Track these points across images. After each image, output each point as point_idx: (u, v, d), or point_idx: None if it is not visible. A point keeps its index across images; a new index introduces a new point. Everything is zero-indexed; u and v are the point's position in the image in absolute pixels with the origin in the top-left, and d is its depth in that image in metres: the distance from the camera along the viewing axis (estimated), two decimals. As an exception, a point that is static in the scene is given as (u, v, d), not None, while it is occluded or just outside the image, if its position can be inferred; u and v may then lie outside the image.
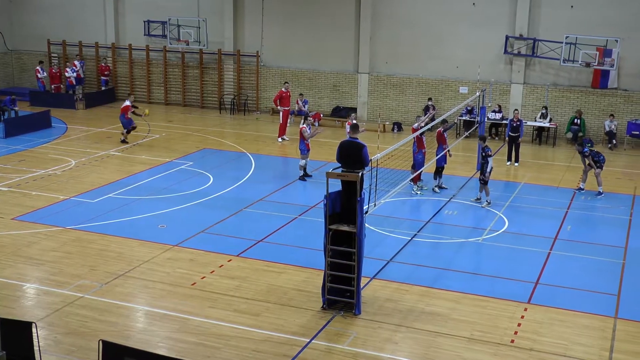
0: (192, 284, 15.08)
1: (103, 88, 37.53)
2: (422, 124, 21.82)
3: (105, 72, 37.50)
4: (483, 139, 21.64)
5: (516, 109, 27.71)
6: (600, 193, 21.90)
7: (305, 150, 22.93)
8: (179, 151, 26.52)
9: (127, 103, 27.90)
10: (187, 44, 35.29)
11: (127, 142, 27.58)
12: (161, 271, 15.72)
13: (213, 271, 15.77)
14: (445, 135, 22.12)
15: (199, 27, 34.94)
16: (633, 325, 13.64)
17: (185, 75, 36.87)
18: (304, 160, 22.98)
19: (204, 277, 15.45)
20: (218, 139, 28.88)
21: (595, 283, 15.60)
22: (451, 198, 21.55)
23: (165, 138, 29.03)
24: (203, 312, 13.81)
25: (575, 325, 13.64)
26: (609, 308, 14.37)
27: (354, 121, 21.26)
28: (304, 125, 23.09)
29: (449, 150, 22.23)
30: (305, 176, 23.01)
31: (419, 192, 21.75)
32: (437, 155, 21.80)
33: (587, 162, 22.00)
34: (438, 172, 22.08)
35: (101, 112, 34.58)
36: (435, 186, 22.10)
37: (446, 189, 22.19)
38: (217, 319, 13.52)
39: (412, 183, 21.67)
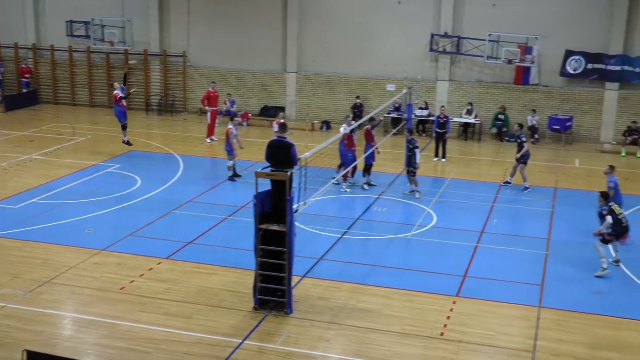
0: (121, 289, 14.84)
1: (24, 90, 36.54)
2: (352, 122, 22.05)
3: (26, 74, 36.51)
4: (410, 131, 22.10)
5: (443, 106, 28.20)
6: (526, 188, 22.40)
7: (231, 151, 22.78)
8: (105, 154, 26.03)
9: (116, 92, 26.15)
10: (112, 45, 34.66)
11: (130, 144, 26.39)
12: (88, 276, 15.41)
13: (142, 275, 15.54)
14: (373, 133, 22.36)
15: (124, 27, 34.36)
16: (556, 313, 14.04)
17: (110, 76, 36.18)
18: (231, 161, 22.85)
19: (133, 281, 15.22)
20: (145, 141, 28.48)
21: (520, 274, 16.00)
22: (380, 195, 21.77)
23: (91, 140, 28.47)
24: (132, 316, 13.61)
25: (501, 315, 13.96)
26: (533, 298, 14.75)
27: (282, 120, 21.25)
28: (231, 126, 22.93)
29: (377, 148, 22.43)
30: (234, 176, 22.89)
31: (348, 190, 21.90)
32: (365, 152, 21.99)
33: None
34: (367, 169, 22.29)
35: (22, 115, 33.65)
36: (365, 183, 22.30)
37: (375, 185, 22.41)
38: (147, 323, 13.34)
39: (342, 181, 21.83)
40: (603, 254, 15.92)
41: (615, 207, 16.12)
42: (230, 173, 22.97)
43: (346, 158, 21.88)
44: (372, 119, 22.98)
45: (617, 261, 16.44)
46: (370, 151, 21.89)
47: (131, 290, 14.77)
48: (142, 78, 35.67)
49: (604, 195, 16.64)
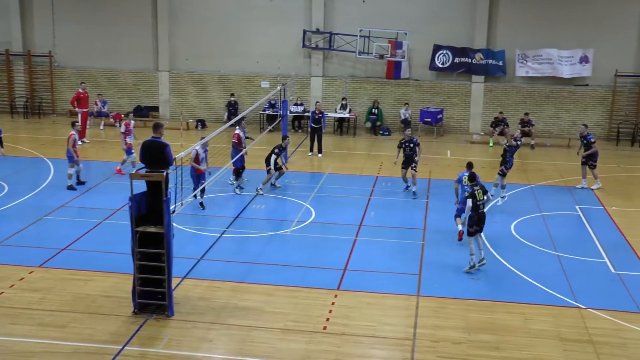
0: (-10, 301, 14.13)
1: None
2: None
3: None
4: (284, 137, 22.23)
5: (318, 102, 28.46)
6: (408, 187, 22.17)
7: (72, 158, 21.52)
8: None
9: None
10: (-30, 45, 33.00)
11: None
12: (-46, 290, 14.59)
13: (13, 285, 14.84)
14: (242, 137, 21.92)
15: (-17, 27, 32.81)
16: (433, 301, 14.45)
17: (-30, 78, 34.45)
18: (72, 169, 21.63)
19: (3, 292, 14.50)
20: (11, 145, 27.17)
21: (398, 265, 16.37)
22: (258, 193, 21.73)
23: (-48, 146, 26.93)
24: (4, 329, 12.95)
25: (382, 306, 14.23)
26: (412, 287, 15.12)
27: (131, 121, 21.08)
28: (73, 132, 21.75)
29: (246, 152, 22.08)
30: (77, 184, 21.75)
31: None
32: (232, 157, 21.48)
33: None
34: (238, 173, 21.93)
35: None
36: (236, 187, 21.87)
37: (243, 188, 22.09)
38: (19, 335, 12.74)
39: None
40: (473, 250, 15.95)
41: (478, 192, 16.06)
42: (70, 182, 21.57)
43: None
44: (241, 120, 22.62)
45: (481, 260, 16.06)
46: (237, 156, 21.37)
47: (1, 302, 14.06)
48: (4, 79, 34.10)
49: (471, 177, 16.54)
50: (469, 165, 18.15)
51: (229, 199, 21.20)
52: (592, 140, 23.15)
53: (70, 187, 21.50)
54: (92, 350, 12.26)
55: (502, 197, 20.99)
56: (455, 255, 17.01)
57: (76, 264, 15.98)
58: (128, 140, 23.11)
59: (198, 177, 19.62)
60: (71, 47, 33.73)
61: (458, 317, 13.78)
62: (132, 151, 22.69)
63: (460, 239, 17.39)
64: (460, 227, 17.55)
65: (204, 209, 19.77)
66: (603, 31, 30.42)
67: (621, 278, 15.81)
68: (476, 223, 15.92)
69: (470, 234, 16.00)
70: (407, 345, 12.67)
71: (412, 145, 21.67)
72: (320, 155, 26.61)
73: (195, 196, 19.30)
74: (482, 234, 16.22)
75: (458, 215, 17.91)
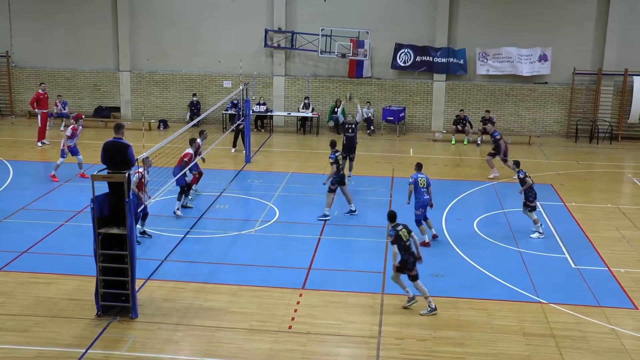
0: (-51, 306, 13.88)
1: None
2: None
3: None
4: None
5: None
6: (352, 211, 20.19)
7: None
8: None
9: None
10: None
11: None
12: None
13: (-28, 289, 14.62)
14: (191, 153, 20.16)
15: (-63, 27, 32.18)
16: (397, 299, 14.51)
17: None
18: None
19: (-37, 296, 14.28)
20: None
21: (362, 263, 16.43)
22: (222, 192, 21.67)
23: None
24: (-37, 334, 12.76)
25: (347, 305, 14.28)
26: (376, 285, 15.20)
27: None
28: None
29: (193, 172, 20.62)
30: None
31: (189, 205, 20.42)
32: (175, 174, 19.01)
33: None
34: (184, 191, 19.92)
35: None
36: (177, 209, 19.67)
37: (192, 207, 20.57)
38: (-21, 340, 12.56)
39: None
40: (403, 284, 14.28)
41: (402, 232, 14.12)
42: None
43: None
44: (193, 141, 20.20)
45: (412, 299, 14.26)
46: (180, 174, 19.09)
47: (-40, 307, 13.85)
48: (-38, 80, 33.53)
49: (390, 217, 14.68)
50: (419, 166, 18.15)
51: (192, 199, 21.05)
52: (498, 137, 23.92)
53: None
54: (55, 354, 12.11)
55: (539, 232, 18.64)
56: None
57: (37, 266, 15.77)
58: (69, 143, 22.82)
59: (139, 203, 16.45)
60: (29, 46, 33.24)
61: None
62: (76, 153, 22.86)
63: (423, 244, 16.79)
64: (426, 238, 17.39)
65: (150, 237, 17.68)
66: (561, 30, 30.88)
67: (581, 273, 16.07)
68: (414, 265, 14.08)
69: (397, 269, 14.11)
70: (372, 343, 12.73)
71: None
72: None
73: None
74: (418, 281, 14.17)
75: (419, 221, 17.51)
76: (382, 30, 31.00)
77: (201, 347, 12.58)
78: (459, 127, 30.07)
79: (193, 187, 20.67)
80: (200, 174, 20.84)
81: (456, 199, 20.94)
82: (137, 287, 13.81)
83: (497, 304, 14.39)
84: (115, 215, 13.35)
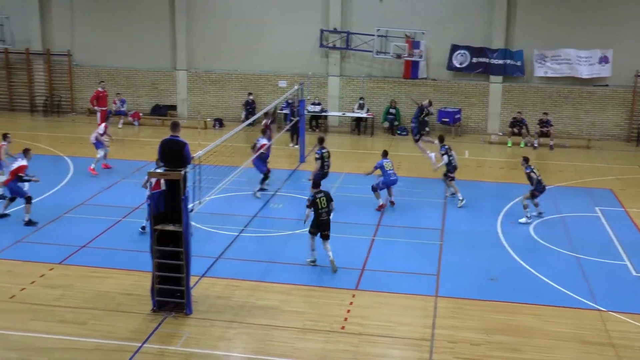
0: (11, 297, 14.23)
1: None
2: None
3: None
4: (440, 138, 22.07)
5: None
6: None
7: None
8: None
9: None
10: (-10, 43, 33.27)
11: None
12: (-25, 286, 14.72)
13: (33, 282, 14.96)
14: (272, 128, 22.73)
15: (2, 25, 33.01)
16: (451, 302, 14.41)
17: (-9, 76, 34.71)
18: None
19: (24, 288, 14.63)
20: (31, 143, 27.32)
21: (416, 265, 16.33)
22: (276, 191, 21.78)
23: (-28, 144, 27.16)
24: (24, 325, 13.07)
25: (400, 306, 14.22)
26: (430, 287, 15.10)
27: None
28: (4, 143, 20.86)
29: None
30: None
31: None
32: (255, 164, 21.36)
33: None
34: (266, 177, 21.73)
35: None
36: (257, 191, 21.53)
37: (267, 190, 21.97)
38: (40, 331, 12.85)
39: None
40: (313, 246, 16.10)
41: (320, 200, 15.83)
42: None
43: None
44: (267, 114, 22.94)
45: (313, 261, 16.20)
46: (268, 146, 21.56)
47: (22, 298, 14.19)
48: (24, 78, 34.35)
49: (314, 185, 16.44)
50: (385, 153, 20.85)
51: (246, 198, 21.21)
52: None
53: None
54: (112, 347, 12.34)
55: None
56: (473, 255, 16.98)
57: (96, 261, 16.09)
58: (104, 138, 23.80)
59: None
60: (90, 46, 33.91)
61: (476, 318, 13.74)
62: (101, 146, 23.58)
63: (378, 209, 20.03)
64: (381, 201, 20.16)
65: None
66: (623, 31, 30.19)
67: (642, 280, 15.73)
68: (317, 228, 15.85)
69: (310, 233, 16.01)
70: (425, 346, 12.65)
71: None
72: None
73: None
74: (327, 242, 15.90)
75: (375, 189, 20.31)
76: (438, 31, 30.76)
77: (254, 345, 12.66)
78: (516, 130, 29.67)
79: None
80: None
81: (512, 202, 20.66)
82: (192, 284, 13.96)
83: (553, 310, 14.16)
84: (172, 212, 13.51)
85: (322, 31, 31.70)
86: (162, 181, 13.75)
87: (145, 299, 13.96)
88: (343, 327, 13.26)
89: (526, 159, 19.94)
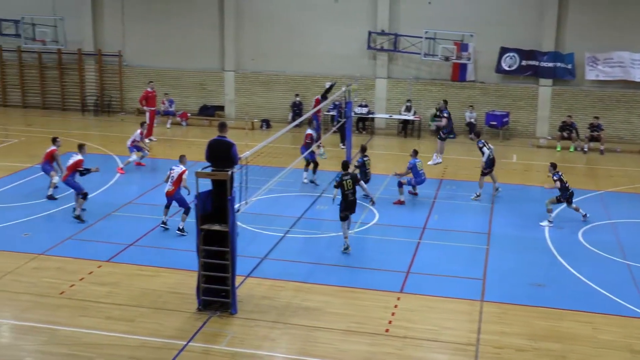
0: (61, 293, 14.50)
1: (-46, 92, 35.46)
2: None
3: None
4: (477, 134, 23.04)
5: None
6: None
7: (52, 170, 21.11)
8: (39, 156, 25.18)
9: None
10: (44, 44, 33.90)
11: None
12: (26, 282, 15.02)
13: (82, 278, 15.22)
14: (314, 136, 23.14)
15: (56, 26, 33.63)
16: (498, 307, 14.26)
17: (43, 76, 35.39)
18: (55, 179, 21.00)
19: (73, 285, 14.89)
20: (82, 142, 27.83)
21: (462, 269, 16.19)
22: (322, 193, 21.80)
23: (25, 143, 27.79)
24: (73, 321, 13.31)
25: (445, 310, 14.11)
26: (475, 292, 14.95)
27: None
28: (54, 147, 21.33)
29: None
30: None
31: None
32: (302, 153, 22.37)
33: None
34: (315, 166, 22.90)
35: (-47, 117, 32.71)
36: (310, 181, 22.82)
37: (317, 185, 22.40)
38: (88, 327, 13.07)
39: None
40: (344, 232, 17.08)
41: (345, 182, 16.95)
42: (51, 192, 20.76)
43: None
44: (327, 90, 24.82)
45: (346, 247, 17.06)
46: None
47: (71, 294, 14.45)
48: (76, 78, 34.97)
49: (343, 166, 17.59)
50: (415, 152, 21.31)
51: (292, 199, 21.27)
52: (446, 115, 25.49)
53: (50, 197, 20.69)
54: (158, 345, 12.48)
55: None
56: (520, 260, 16.78)
57: (143, 259, 16.32)
58: (141, 144, 24.51)
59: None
60: (140, 47, 34.39)
61: (523, 324, 13.57)
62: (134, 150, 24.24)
63: (396, 203, 20.71)
64: (402, 197, 20.73)
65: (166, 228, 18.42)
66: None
67: (695, 289, 15.34)
68: (345, 209, 17.00)
69: (341, 219, 17.01)
70: (470, 351, 12.53)
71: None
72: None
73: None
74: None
75: (401, 185, 20.84)
76: (487, 34, 30.45)
77: (297, 345, 12.69)
78: (565, 134, 29.22)
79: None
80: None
81: (560, 208, 20.34)
82: (237, 284, 14.05)
83: (602, 317, 13.90)
84: (218, 212, 13.60)
85: (369, 33, 31.64)
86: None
87: (190, 298, 14.09)
88: (387, 330, 13.21)
89: (554, 165, 19.90)
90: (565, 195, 19.35)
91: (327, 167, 24.40)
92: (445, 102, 27.00)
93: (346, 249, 17.00)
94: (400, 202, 20.82)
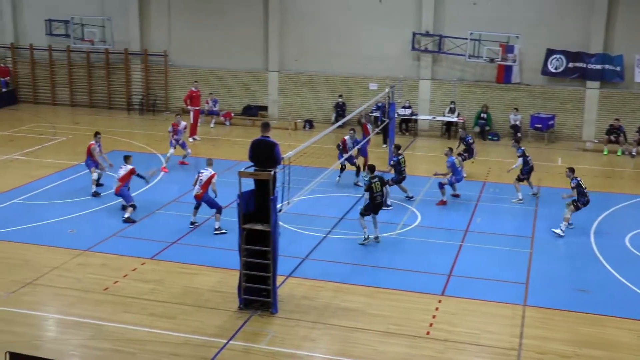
0: (105, 289, 14.73)
1: (3, 90, 36.14)
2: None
3: (4, 74, 36.07)
4: (517, 140, 23.35)
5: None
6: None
7: (92, 165, 21.48)
8: (86, 153, 25.74)
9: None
10: (92, 44, 34.46)
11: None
12: (72, 277, 15.28)
13: (126, 275, 15.44)
14: (369, 127, 23.90)
15: (104, 26, 34.16)
16: (541, 312, 14.09)
17: (91, 75, 35.96)
18: (95, 174, 21.49)
19: (117, 281, 15.11)
20: (127, 140, 28.29)
21: (504, 273, 16.04)
22: (364, 194, 21.71)
23: (72, 140, 28.26)
24: (117, 317, 13.51)
25: (487, 314, 14.00)
26: (518, 296, 14.79)
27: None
28: (93, 142, 21.77)
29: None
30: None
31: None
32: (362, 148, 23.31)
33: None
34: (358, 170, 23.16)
35: (2, 114, 33.35)
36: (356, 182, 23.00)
37: (360, 186, 22.35)
38: (132, 323, 13.25)
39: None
40: (364, 225, 17.51)
41: (375, 184, 17.54)
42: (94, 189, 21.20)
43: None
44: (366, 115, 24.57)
45: (376, 238, 17.73)
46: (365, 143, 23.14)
47: (115, 291, 14.66)
48: (123, 77, 35.46)
49: (370, 169, 18.25)
50: (451, 150, 21.67)
51: (334, 200, 21.29)
52: (471, 141, 24.20)
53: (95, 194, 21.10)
54: (200, 342, 12.60)
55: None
56: (564, 265, 16.57)
57: (185, 257, 16.48)
58: (175, 137, 24.52)
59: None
60: (185, 47, 34.71)
61: (566, 329, 13.39)
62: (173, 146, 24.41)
63: (439, 204, 20.69)
64: (444, 198, 20.73)
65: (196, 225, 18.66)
66: None
67: None
68: (371, 210, 17.63)
69: (361, 214, 17.63)
70: (512, 356, 12.41)
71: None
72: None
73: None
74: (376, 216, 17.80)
75: (442, 185, 20.81)
76: (533, 35, 30.07)
77: (337, 346, 12.70)
78: (612, 138, 28.73)
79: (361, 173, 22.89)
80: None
81: (606, 212, 20.03)
82: (278, 283, 14.11)
83: (648, 324, 13.65)
84: (260, 212, 13.67)
85: (414, 34, 31.49)
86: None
87: (231, 297, 14.19)
88: (428, 333, 13.15)
89: (572, 170, 19.31)
90: (583, 200, 18.74)
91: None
92: (464, 128, 25.92)
93: (366, 239, 17.54)
94: (443, 203, 20.79)
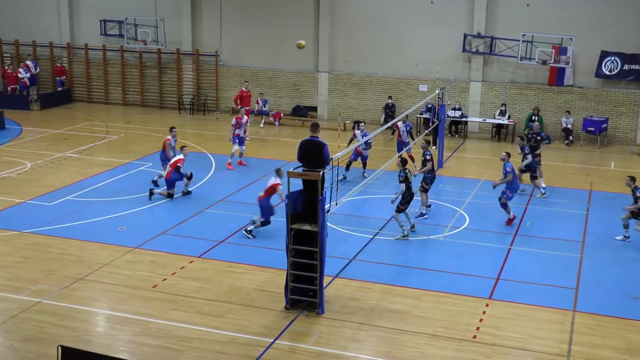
0: (154, 287, 14.93)
1: (59, 89, 36.96)
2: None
3: (61, 74, 36.84)
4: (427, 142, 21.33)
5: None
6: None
7: (166, 160, 21.73)
8: (137, 152, 26.22)
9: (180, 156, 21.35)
10: (145, 44, 34.99)
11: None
12: (121, 274, 15.53)
13: (174, 273, 15.63)
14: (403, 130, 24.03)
15: (157, 27, 34.65)
16: (591, 318, 13.85)
17: (143, 75, 36.51)
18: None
19: (165, 279, 15.31)
20: (178, 140, 28.55)
21: (554, 277, 15.80)
22: (413, 196, 21.61)
23: (124, 139, 28.73)
24: (165, 314, 13.68)
25: (535, 319, 13.81)
26: (568, 301, 14.57)
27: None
28: (169, 137, 22.12)
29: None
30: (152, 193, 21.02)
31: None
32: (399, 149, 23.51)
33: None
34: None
35: (57, 113, 34.08)
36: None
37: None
38: (179, 321, 13.41)
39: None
40: (401, 222, 17.81)
41: (408, 175, 17.73)
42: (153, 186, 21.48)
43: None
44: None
45: (412, 226, 18.31)
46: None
47: (164, 288, 14.85)
48: (174, 77, 35.91)
49: (403, 162, 18.05)
50: (509, 155, 19.59)
51: (383, 201, 21.21)
52: (527, 152, 21.96)
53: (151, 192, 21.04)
54: (246, 341, 12.68)
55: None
56: (615, 271, 16.25)
57: (233, 256, 16.60)
58: (237, 131, 24.68)
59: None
60: (236, 47, 35.00)
61: (618, 337, 13.14)
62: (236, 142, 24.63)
63: (508, 224, 19.16)
64: (512, 214, 19.20)
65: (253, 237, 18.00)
66: None
67: None
68: (408, 202, 17.79)
69: (400, 211, 17.78)
70: (560, 362, 12.23)
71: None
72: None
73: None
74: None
75: (505, 203, 19.16)
76: (587, 37, 29.57)
77: (383, 348, 12.66)
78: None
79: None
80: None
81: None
82: (325, 284, 14.12)
83: (703, 333, 13.32)
84: (308, 212, 13.70)
85: (465, 35, 31.24)
86: None
87: (278, 296, 14.26)
88: (475, 336, 13.03)
89: (633, 178, 18.54)
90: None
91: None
92: (522, 138, 23.44)
93: (405, 236, 17.83)
94: (511, 221, 19.19)
